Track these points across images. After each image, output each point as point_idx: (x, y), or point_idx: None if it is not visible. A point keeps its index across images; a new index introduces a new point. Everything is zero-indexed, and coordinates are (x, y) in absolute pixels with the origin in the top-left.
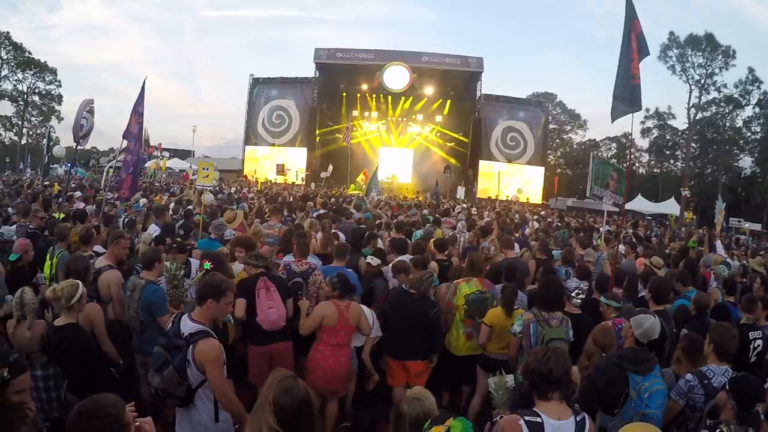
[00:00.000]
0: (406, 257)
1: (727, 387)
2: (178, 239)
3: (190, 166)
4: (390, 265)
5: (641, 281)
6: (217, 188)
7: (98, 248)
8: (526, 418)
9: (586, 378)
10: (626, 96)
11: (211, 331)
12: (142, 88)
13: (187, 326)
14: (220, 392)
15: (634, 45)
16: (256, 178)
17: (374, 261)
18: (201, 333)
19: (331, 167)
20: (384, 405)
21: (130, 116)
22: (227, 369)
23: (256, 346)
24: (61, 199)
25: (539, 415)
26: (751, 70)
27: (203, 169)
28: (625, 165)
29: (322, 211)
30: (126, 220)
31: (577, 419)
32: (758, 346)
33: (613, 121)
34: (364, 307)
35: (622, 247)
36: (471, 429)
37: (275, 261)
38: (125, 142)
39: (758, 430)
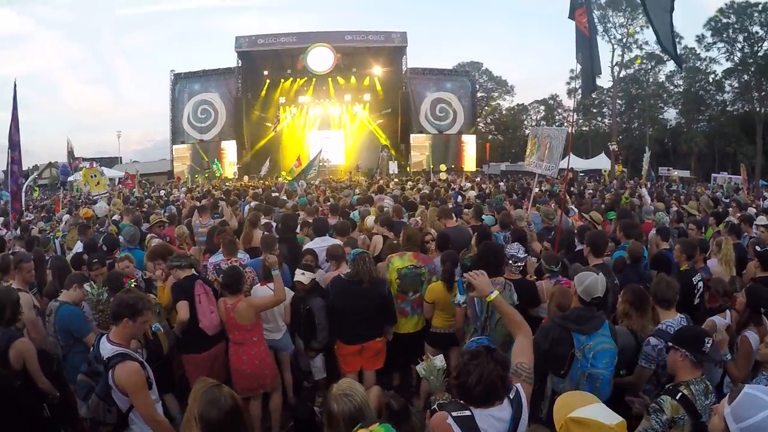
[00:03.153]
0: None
1: (671, 344)
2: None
3: (124, 173)
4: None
5: (577, 235)
6: (146, 193)
7: None
8: (454, 414)
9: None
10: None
11: (129, 352)
12: (14, 91)
13: (106, 349)
14: (147, 417)
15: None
16: (188, 178)
17: (305, 278)
18: (117, 357)
19: (268, 162)
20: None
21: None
22: (165, 383)
23: (198, 354)
24: None
25: (468, 409)
26: (671, 26)
27: (91, 177)
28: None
29: (253, 203)
30: (43, 238)
31: (511, 397)
32: (700, 288)
33: (589, 94)
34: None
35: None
36: None
37: (203, 263)
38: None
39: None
